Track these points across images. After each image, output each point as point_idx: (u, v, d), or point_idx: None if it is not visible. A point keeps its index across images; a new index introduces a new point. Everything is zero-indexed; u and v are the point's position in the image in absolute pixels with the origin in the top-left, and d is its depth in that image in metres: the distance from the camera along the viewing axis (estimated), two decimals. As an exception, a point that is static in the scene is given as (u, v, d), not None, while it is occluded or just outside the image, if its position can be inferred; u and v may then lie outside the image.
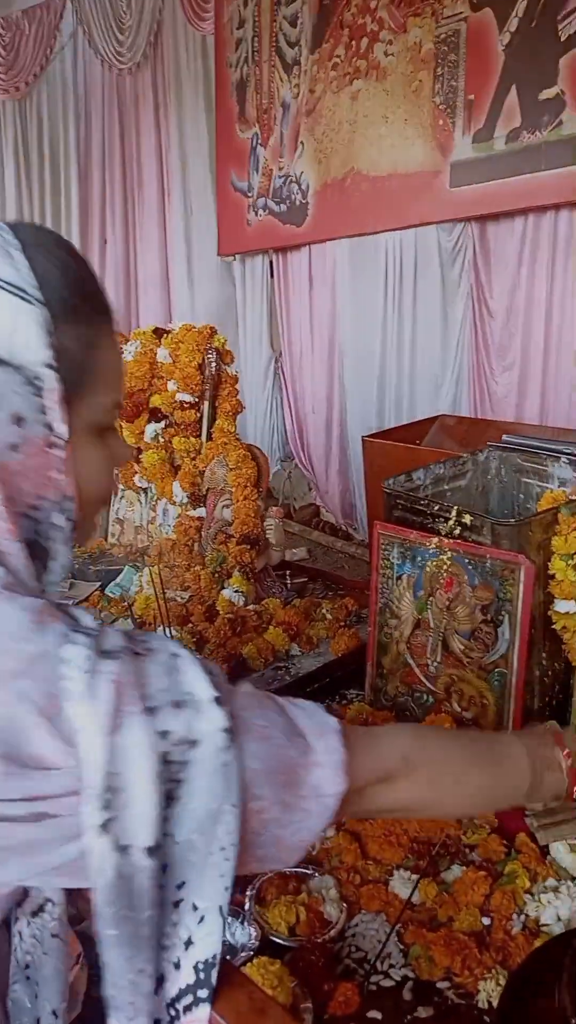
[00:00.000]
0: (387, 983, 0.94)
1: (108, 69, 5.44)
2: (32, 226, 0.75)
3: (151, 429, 2.12)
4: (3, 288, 0.68)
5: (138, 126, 5.43)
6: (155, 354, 2.15)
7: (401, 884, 1.05)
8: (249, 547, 1.78)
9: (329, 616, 1.77)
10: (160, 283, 5.57)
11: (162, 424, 2.11)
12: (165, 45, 5.15)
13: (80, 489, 0.74)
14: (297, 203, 4.41)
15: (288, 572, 1.96)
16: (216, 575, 1.82)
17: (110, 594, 2.03)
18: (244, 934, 0.99)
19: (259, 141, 4.58)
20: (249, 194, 4.68)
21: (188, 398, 2.04)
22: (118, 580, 2.07)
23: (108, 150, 5.62)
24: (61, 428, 0.70)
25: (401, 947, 0.98)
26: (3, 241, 0.70)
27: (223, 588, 1.80)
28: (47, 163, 5.86)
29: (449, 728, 1.21)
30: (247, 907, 1.02)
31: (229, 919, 1.02)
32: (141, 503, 2.26)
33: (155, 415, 2.12)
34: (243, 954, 0.96)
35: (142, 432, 2.15)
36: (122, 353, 0.82)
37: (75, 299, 0.72)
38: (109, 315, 0.77)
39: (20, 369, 0.68)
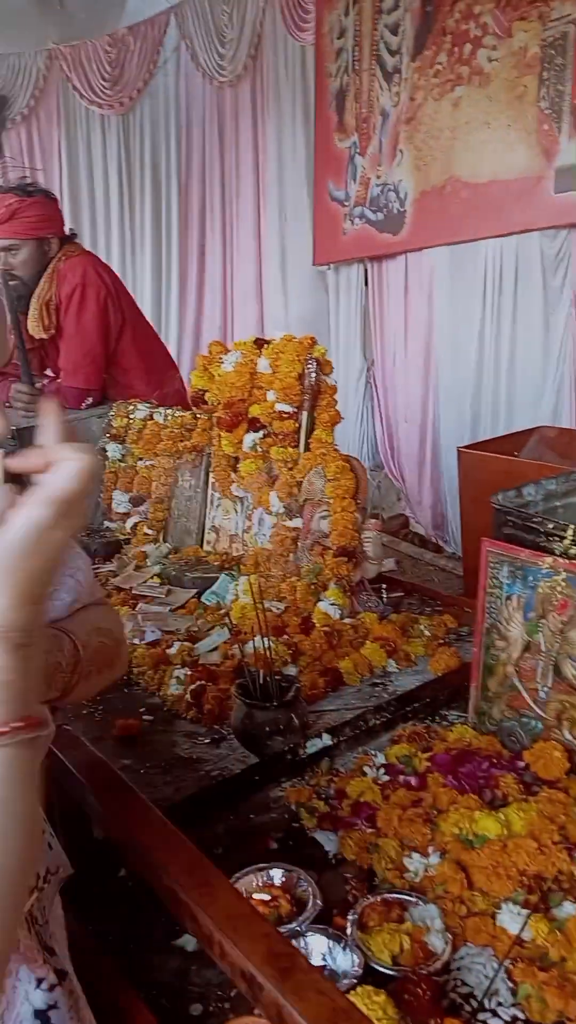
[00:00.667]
0: (495, 1022, 0.90)
1: (209, 82, 5.53)
2: None
3: (249, 439, 2.13)
4: None
5: (237, 138, 5.51)
6: (255, 364, 2.16)
7: (510, 918, 1.00)
8: (346, 559, 1.76)
9: (427, 633, 1.74)
10: (254, 294, 5.63)
11: (260, 434, 2.11)
12: (265, 57, 5.21)
13: None
14: (395, 211, 4.38)
15: (384, 586, 1.93)
16: (312, 587, 1.80)
17: (206, 602, 2.04)
18: (347, 960, 0.96)
19: (357, 150, 4.57)
20: (346, 203, 4.67)
21: (287, 408, 2.04)
22: (214, 588, 2.08)
23: (208, 162, 5.71)
24: None
25: (510, 985, 0.94)
26: None
27: (319, 600, 1.78)
28: (148, 176, 6.00)
29: None
30: (349, 932, 1.00)
31: (330, 943, 1.00)
32: (237, 512, 2.27)
33: (254, 425, 2.12)
34: (346, 981, 0.93)
35: (240, 442, 2.16)
36: None
37: None
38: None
39: None
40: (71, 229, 2.97)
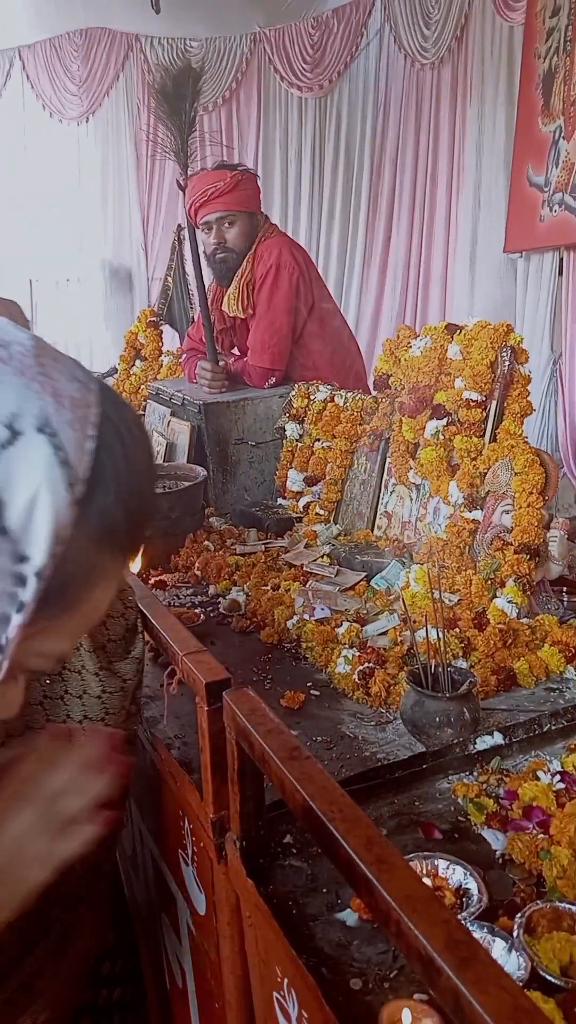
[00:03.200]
0: None
1: (411, 64, 5.46)
2: (122, 404, 0.64)
3: (432, 426, 2.10)
4: (53, 448, 0.58)
5: (435, 121, 5.41)
6: (445, 350, 2.12)
7: None
8: (528, 557, 1.71)
9: (609, 641, 1.65)
10: (439, 279, 5.53)
11: (444, 421, 2.08)
12: (470, 38, 5.08)
13: None
14: (597, 199, 4.17)
15: (564, 589, 1.85)
16: (489, 582, 1.76)
17: (375, 586, 2.04)
18: (512, 962, 0.94)
19: (562, 134, 4.37)
20: (545, 189, 4.49)
21: (475, 396, 1.99)
22: (384, 573, 2.07)
23: (402, 145, 5.66)
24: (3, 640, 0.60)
25: None
26: (82, 396, 0.61)
27: (495, 596, 1.74)
28: (341, 158, 6.02)
29: None
30: (516, 934, 0.97)
31: (494, 939, 0.98)
32: (412, 499, 2.25)
33: (438, 412, 2.09)
34: (511, 983, 0.91)
35: (423, 428, 2.14)
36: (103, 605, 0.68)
37: (114, 517, 0.62)
38: (128, 558, 0.67)
39: (13, 544, 0.58)
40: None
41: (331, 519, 2.49)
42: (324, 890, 1.11)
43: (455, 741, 1.33)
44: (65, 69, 6.09)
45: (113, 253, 6.47)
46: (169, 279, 4.32)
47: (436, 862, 1.12)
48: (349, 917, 1.06)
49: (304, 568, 2.17)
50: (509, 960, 0.95)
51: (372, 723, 1.50)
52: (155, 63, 6.02)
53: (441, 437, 2.07)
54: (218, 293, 3.04)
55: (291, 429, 2.74)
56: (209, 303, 2.96)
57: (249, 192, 2.88)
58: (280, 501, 2.71)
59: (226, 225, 2.86)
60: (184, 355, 3.21)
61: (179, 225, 5.05)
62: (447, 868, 1.10)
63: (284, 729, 1.03)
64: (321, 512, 2.50)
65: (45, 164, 6.27)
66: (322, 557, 2.24)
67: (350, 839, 0.82)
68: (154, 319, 3.86)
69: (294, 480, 2.67)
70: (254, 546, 2.39)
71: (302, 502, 2.60)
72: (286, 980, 1.03)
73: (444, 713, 1.33)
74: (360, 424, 2.46)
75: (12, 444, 0.57)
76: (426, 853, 1.14)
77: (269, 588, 2.05)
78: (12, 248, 6.01)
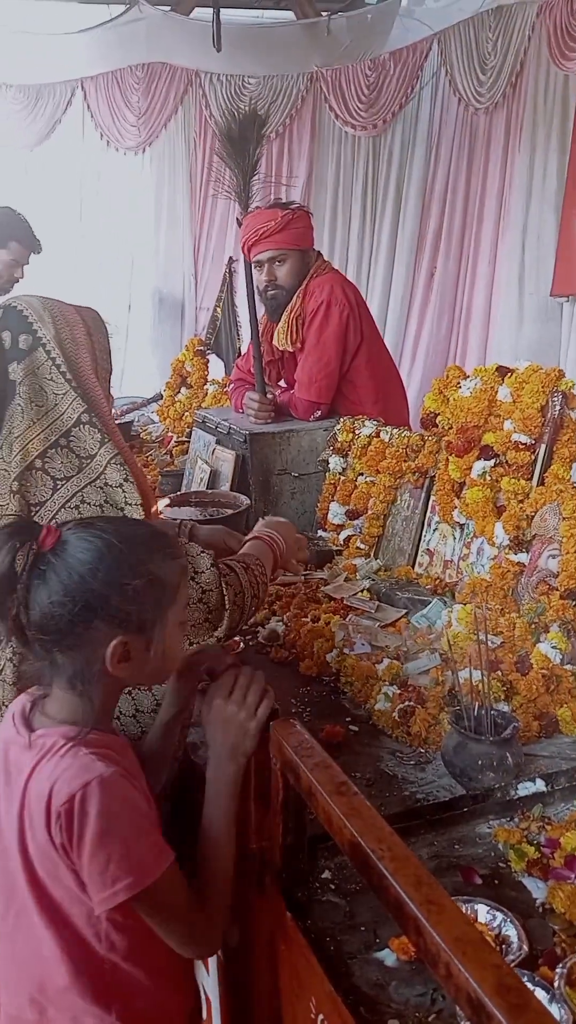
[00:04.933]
0: None
1: (464, 108, 5.53)
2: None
3: (479, 466, 2.11)
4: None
5: (485, 164, 5.47)
6: (495, 392, 2.14)
7: None
8: (574, 603, 1.70)
9: None
10: (482, 320, 5.56)
11: (492, 462, 2.09)
12: (525, 85, 5.14)
13: None
14: None
15: (608, 636, 1.84)
16: (533, 626, 1.76)
17: (415, 624, 2.04)
18: (554, 1014, 0.93)
19: (614, 182, 4.40)
20: (595, 235, 4.52)
21: (524, 439, 2.00)
22: (425, 611, 2.08)
23: (452, 186, 5.71)
24: None
25: None
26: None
27: (539, 641, 1.74)
28: (391, 196, 6.09)
29: None
30: (557, 984, 0.97)
31: (534, 989, 0.98)
32: (455, 538, 2.25)
33: (486, 453, 2.10)
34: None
35: (469, 468, 2.15)
36: None
37: None
38: None
39: None
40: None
41: (372, 554, 2.50)
42: (362, 928, 1.11)
43: (497, 786, 1.32)
44: (126, 100, 6.26)
45: (163, 281, 6.58)
46: (218, 310, 4.40)
47: (476, 907, 1.11)
48: (388, 957, 1.06)
49: (344, 601, 2.18)
50: (552, 1011, 0.94)
51: (412, 762, 1.50)
52: (213, 99, 6.17)
53: (488, 478, 2.08)
54: (268, 327, 3.09)
55: (334, 462, 2.76)
56: (263, 336, 3.01)
57: (300, 230, 2.93)
58: (320, 533, 2.73)
59: (277, 263, 2.92)
60: (232, 385, 3.26)
61: (231, 258, 5.14)
62: (487, 914, 1.10)
63: (332, 763, 1.04)
64: (362, 546, 2.51)
65: (101, 191, 6.42)
66: (362, 591, 2.25)
67: (399, 878, 0.83)
68: (201, 348, 3.92)
69: (335, 513, 2.68)
70: (293, 577, 2.40)
71: (343, 535, 2.61)
72: (321, 1016, 1.03)
73: (487, 757, 1.33)
74: (405, 461, 2.47)
75: None
76: (465, 897, 1.13)
77: (309, 620, 2.06)
78: (74, 272, 6.12)
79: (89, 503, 1.43)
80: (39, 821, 1.05)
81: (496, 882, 1.18)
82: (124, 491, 1.46)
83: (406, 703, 1.59)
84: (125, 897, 1.02)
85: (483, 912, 1.10)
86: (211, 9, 5.29)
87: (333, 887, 1.18)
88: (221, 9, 5.30)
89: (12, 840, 1.10)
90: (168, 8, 5.91)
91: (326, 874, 1.20)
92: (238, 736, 1.16)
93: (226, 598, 1.45)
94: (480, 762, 1.34)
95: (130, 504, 1.45)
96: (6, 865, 1.11)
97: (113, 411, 4.09)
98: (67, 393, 1.46)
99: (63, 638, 1.08)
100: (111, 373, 1.61)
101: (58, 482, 1.44)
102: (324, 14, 6.05)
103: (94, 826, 1.01)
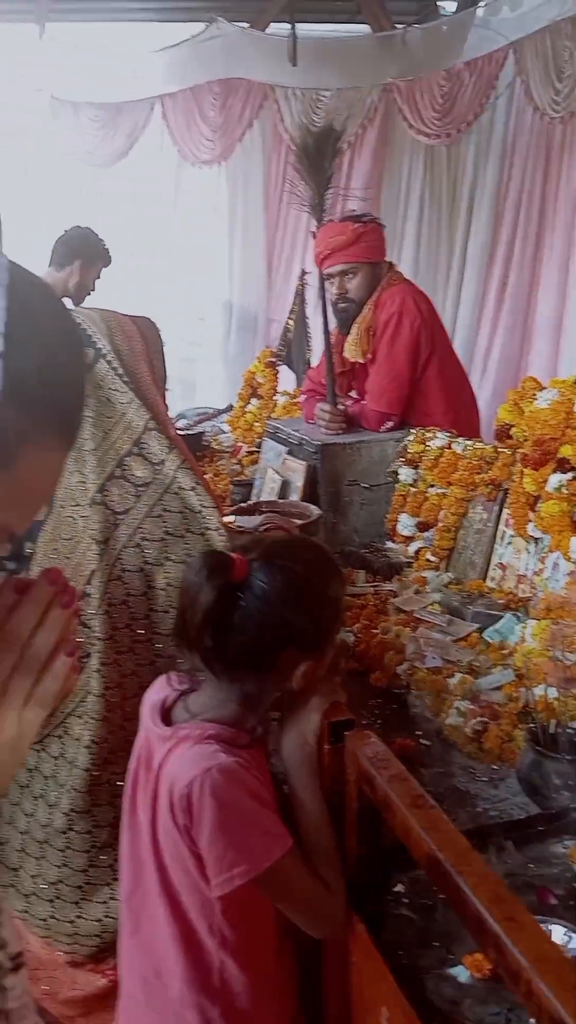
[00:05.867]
0: None
1: (540, 118, 5.47)
2: (37, 280, 0.63)
3: (556, 479, 2.08)
4: None
5: (560, 173, 5.40)
6: (573, 404, 2.11)
7: None
8: None
9: None
10: (553, 331, 5.47)
11: (569, 476, 2.05)
12: (603, 92, 5.06)
13: None
14: None
15: None
16: (610, 643, 1.72)
17: (488, 638, 2.02)
18: None
19: None
20: None
21: (602, 454, 1.97)
22: (498, 626, 2.05)
23: (526, 196, 5.65)
24: None
25: None
26: None
27: (616, 658, 1.70)
28: (463, 206, 6.06)
29: None
30: None
31: None
32: (529, 552, 2.22)
33: (563, 466, 2.07)
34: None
35: (545, 481, 2.12)
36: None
37: (29, 379, 0.59)
38: (58, 436, 0.63)
39: None
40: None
41: (442, 567, 2.48)
42: (435, 943, 1.11)
43: (573, 805, 1.30)
44: (202, 115, 6.37)
45: (237, 293, 6.66)
46: (290, 321, 4.43)
47: (550, 927, 1.10)
48: (461, 973, 1.05)
49: (414, 614, 2.17)
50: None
51: (485, 779, 1.48)
52: (288, 112, 6.23)
53: (565, 491, 2.05)
54: (339, 338, 3.10)
55: (405, 474, 2.76)
56: (334, 347, 3.03)
57: (372, 243, 2.94)
58: (389, 544, 2.73)
59: (348, 277, 2.93)
60: (304, 396, 3.28)
61: (303, 270, 5.18)
62: (564, 935, 1.08)
63: (408, 776, 1.05)
64: (432, 559, 2.50)
65: (178, 205, 6.54)
66: (432, 604, 2.23)
67: (479, 893, 0.82)
68: (273, 359, 3.95)
69: (405, 524, 2.67)
70: (363, 588, 2.40)
71: (413, 547, 2.60)
72: (393, 1029, 1.03)
73: (563, 775, 1.31)
74: (478, 473, 2.45)
75: None
76: (540, 918, 1.12)
77: (379, 631, 2.06)
78: (147, 283, 6.24)
79: (171, 510, 1.46)
80: (164, 803, 1.12)
81: (572, 903, 1.16)
82: (197, 494, 1.49)
83: (479, 719, 1.58)
84: (241, 882, 1.07)
85: (558, 933, 1.08)
86: (287, 24, 5.36)
87: (406, 901, 1.18)
88: (297, 24, 5.36)
89: (146, 823, 1.17)
90: (246, 24, 5.99)
91: (399, 887, 1.20)
92: (302, 721, 1.22)
93: None
94: (557, 780, 1.32)
95: (205, 507, 1.48)
96: (139, 847, 1.18)
97: (182, 421, 4.17)
98: (131, 401, 1.50)
99: (261, 664, 1.16)
100: (166, 380, 1.64)
101: (139, 488, 1.48)
102: (399, 26, 6.06)
103: (213, 811, 1.06)
